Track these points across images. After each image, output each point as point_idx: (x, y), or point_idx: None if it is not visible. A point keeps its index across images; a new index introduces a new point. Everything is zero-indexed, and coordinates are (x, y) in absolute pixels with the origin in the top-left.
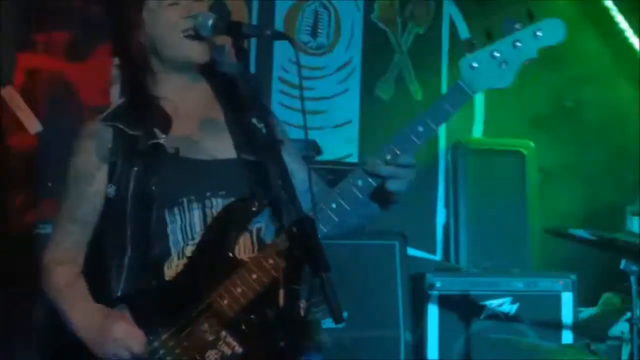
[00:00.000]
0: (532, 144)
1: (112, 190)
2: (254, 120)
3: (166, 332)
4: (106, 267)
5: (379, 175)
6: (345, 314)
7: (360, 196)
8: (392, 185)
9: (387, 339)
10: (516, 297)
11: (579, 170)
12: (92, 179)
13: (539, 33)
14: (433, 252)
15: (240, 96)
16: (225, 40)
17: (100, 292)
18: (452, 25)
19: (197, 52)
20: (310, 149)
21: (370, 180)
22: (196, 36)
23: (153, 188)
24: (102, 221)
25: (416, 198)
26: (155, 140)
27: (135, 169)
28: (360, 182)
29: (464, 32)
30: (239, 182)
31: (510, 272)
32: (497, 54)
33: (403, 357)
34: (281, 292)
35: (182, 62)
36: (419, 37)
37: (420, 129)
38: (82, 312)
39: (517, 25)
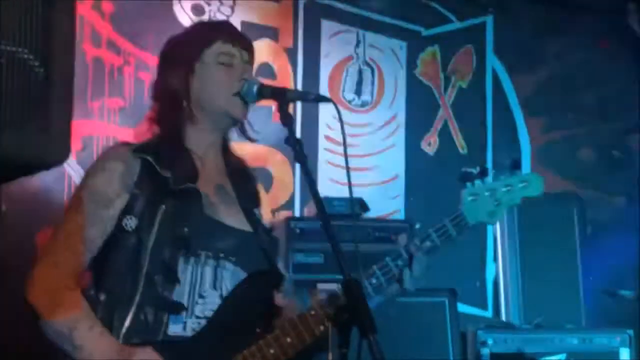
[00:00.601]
0: (581, 196)
1: (132, 222)
2: (256, 211)
3: None
4: (109, 301)
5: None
6: None
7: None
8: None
9: None
10: (571, 354)
11: (629, 221)
12: (110, 204)
13: (524, 184)
14: (484, 308)
15: (248, 180)
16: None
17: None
18: (496, 78)
19: (239, 109)
20: (356, 207)
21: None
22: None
23: (185, 230)
24: (113, 253)
25: (465, 253)
26: (192, 185)
27: (164, 207)
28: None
29: (507, 84)
30: (249, 255)
31: (564, 328)
32: (494, 193)
33: None
34: (329, 356)
35: (221, 115)
36: (463, 91)
37: (428, 243)
38: (109, 349)
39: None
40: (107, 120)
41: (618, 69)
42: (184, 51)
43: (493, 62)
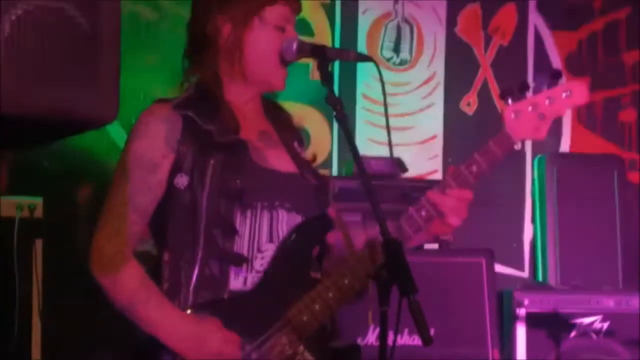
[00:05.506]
0: (621, 156)
1: (183, 180)
2: (296, 145)
3: (250, 344)
4: (174, 260)
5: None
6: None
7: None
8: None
9: (474, 357)
10: (607, 316)
11: None
12: (157, 168)
13: (568, 93)
14: (521, 268)
15: (285, 117)
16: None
17: (162, 285)
18: (538, 37)
19: (281, 80)
20: (395, 166)
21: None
22: (286, 63)
23: (238, 182)
24: (170, 212)
25: (503, 213)
26: (238, 137)
27: (212, 162)
28: (423, 213)
29: (549, 43)
30: (301, 198)
31: (601, 290)
32: (536, 107)
33: None
34: (369, 314)
35: (262, 83)
36: (503, 49)
37: (474, 168)
38: (170, 319)
39: (547, 82)
40: (144, 77)
41: None
42: (246, 2)
43: (535, 19)
